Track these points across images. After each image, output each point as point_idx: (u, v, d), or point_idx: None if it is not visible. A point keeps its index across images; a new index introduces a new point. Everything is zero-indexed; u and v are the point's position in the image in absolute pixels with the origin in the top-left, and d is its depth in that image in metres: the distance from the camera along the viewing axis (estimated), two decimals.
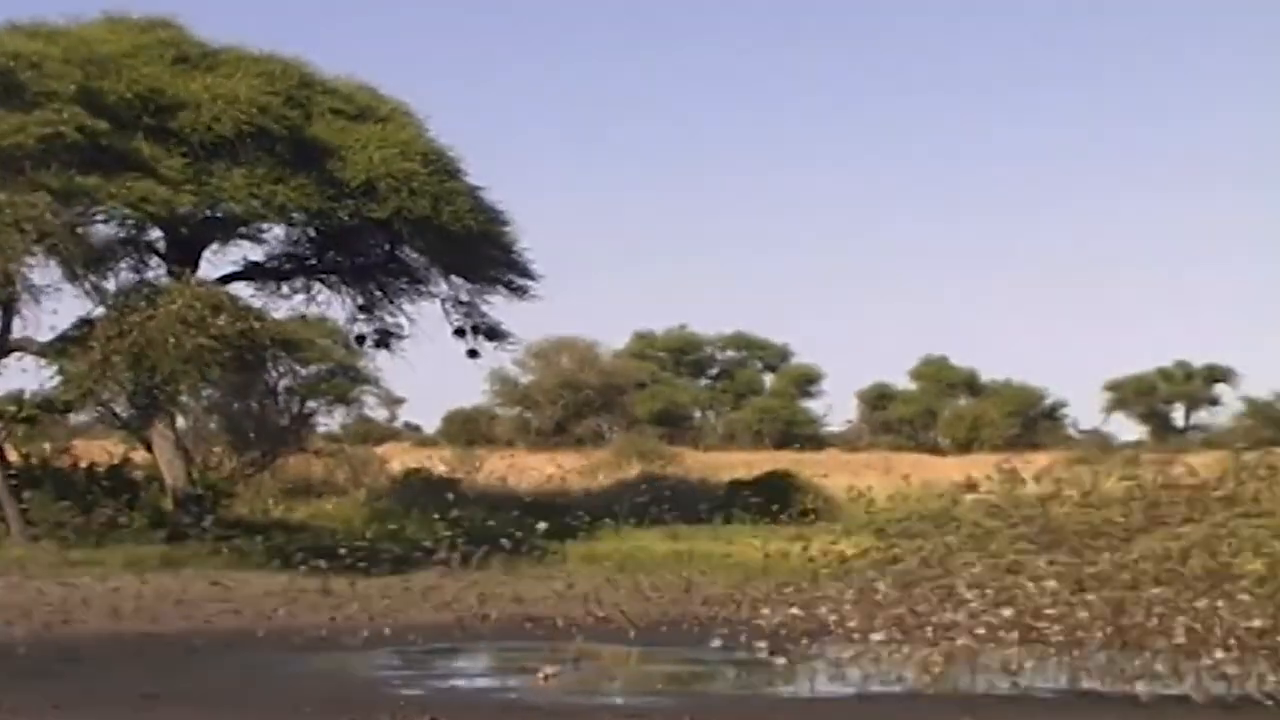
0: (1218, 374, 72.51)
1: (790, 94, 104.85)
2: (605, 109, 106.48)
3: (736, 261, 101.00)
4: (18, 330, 27.92)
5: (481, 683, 16.40)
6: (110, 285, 28.83)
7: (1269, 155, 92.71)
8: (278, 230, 31.56)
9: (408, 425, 71.03)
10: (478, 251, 31.19)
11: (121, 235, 29.72)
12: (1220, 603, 15.27)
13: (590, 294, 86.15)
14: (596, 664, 17.27)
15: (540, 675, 15.21)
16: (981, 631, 15.36)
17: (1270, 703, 14.16)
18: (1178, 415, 74.38)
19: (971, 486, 18.27)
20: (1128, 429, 72.64)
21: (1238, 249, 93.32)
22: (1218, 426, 68.98)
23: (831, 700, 14.86)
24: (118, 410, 30.99)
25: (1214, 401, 73.45)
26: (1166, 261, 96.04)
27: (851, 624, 15.63)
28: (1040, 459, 46.10)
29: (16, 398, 31.00)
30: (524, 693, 14.81)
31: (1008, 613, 15.50)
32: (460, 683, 16.29)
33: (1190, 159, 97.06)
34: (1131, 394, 72.98)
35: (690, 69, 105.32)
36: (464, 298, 32.63)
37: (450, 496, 23.87)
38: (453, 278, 32.31)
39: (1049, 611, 15.42)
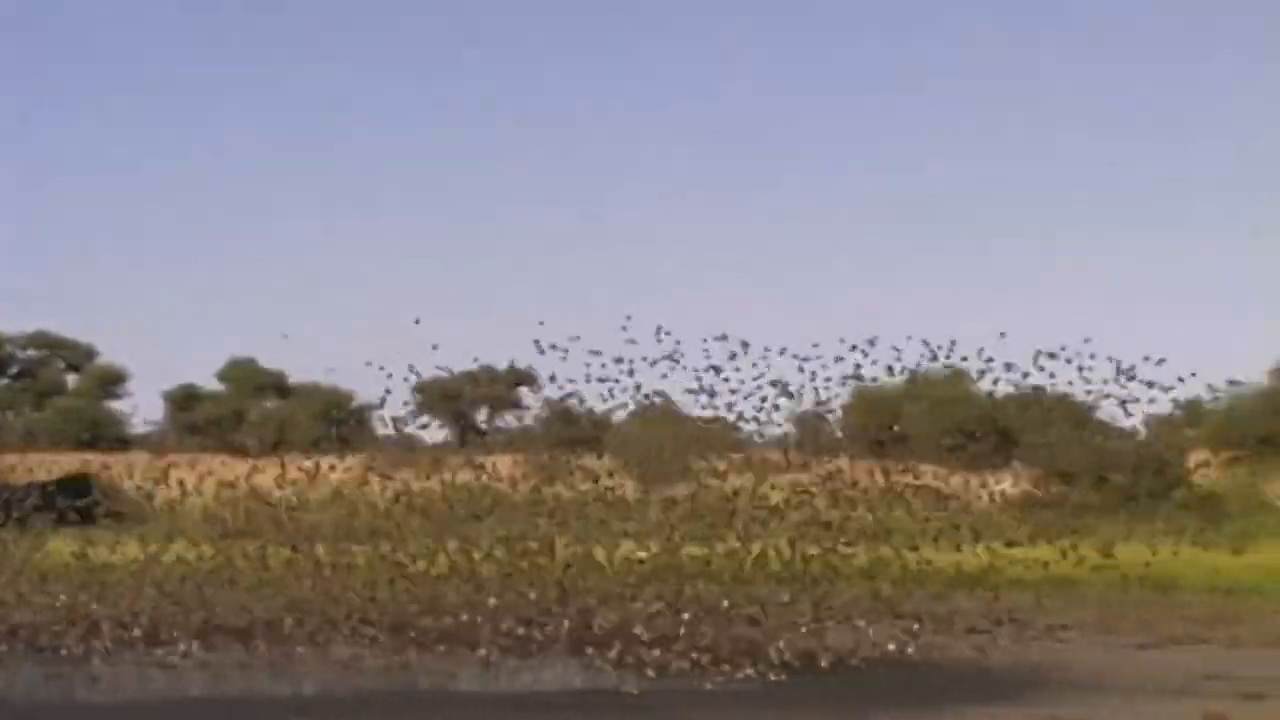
0: (521, 377, 75.44)
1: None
2: None
3: (38, 259, 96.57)
4: None
5: None
6: None
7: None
8: None
9: None
10: None
11: None
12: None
13: None
14: None
15: None
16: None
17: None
18: (482, 418, 76.89)
19: (277, 487, 18.61)
20: (434, 431, 74.50)
21: (533, 259, 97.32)
22: (521, 428, 71.86)
23: (142, 705, 14.64)
24: None
25: (517, 404, 76.37)
26: (467, 270, 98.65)
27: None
28: (347, 461, 46.69)
29: None
30: None
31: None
32: None
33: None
34: (438, 396, 74.84)
35: None
36: None
37: None
38: None
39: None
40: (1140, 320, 73.35)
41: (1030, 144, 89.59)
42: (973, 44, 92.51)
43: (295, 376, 72.67)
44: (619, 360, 19.43)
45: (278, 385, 72.93)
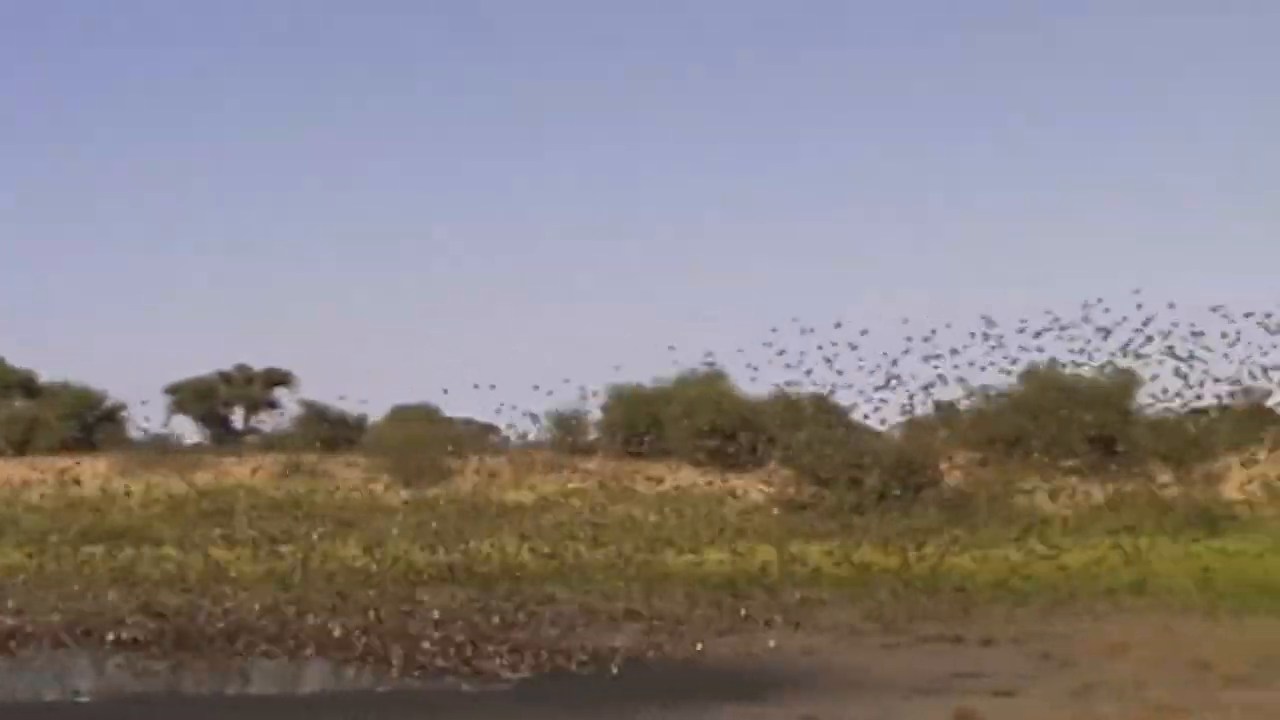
0: (277, 378, 74.14)
1: None
2: None
3: None
4: None
5: None
6: None
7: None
8: None
9: None
10: None
11: None
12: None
13: None
14: None
15: None
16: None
17: None
18: (237, 418, 75.38)
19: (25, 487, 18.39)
20: (190, 431, 72.73)
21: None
22: (277, 429, 70.59)
23: None
24: None
25: (273, 404, 75.05)
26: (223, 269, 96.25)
27: None
28: (99, 462, 45.29)
29: None
30: None
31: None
32: None
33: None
34: (192, 396, 73.16)
35: None
36: None
37: None
38: None
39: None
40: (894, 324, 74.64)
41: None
42: None
43: (45, 375, 70.43)
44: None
45: (26, 384, 70.50)
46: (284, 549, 23.27)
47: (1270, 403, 32.67)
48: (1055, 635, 19.20)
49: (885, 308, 64.92)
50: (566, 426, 56.49)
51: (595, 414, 56.38)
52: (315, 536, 23.41)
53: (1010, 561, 24.44)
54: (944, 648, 18.54)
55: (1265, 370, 28.50)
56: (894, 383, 30.06)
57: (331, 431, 59.89)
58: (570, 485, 28.12)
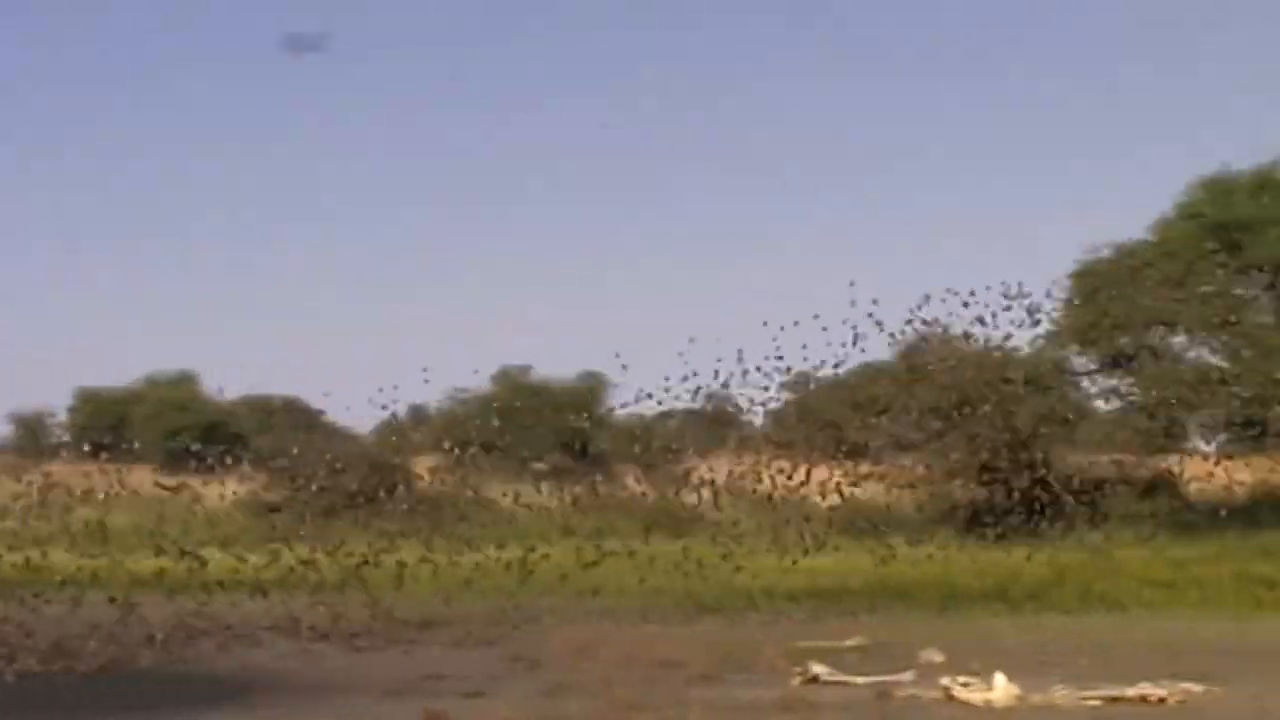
0: None
1: None
2: None
3: None
4: None
5: None
6: None
7: None
8: None
9: None
10: None
11: None
12: None
13: None
14: None
15: None
16: None
17: None
18: None
19: None
20: None
21: None
22: None
23: None
24: None
25: None
26: None
27: None
28: None
29: None
30: None
31: None
32: None
33: None
34: None
35: None
36: None
37: None
38: None
39: None
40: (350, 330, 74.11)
41: None
42: None
43: None
44: None
45: None
46: None
47: (732, 407, 34.09)
48: (525, 637, 19.48)
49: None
50: (30, 428, 53.98)
51: (60, 416, 54.12)
52: None
53: (484, 562, 24.68)
54: (414, 650, 18.55)
55: (730, 376, 29.62)
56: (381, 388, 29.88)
57: None
58: (26, 488, 26.78)
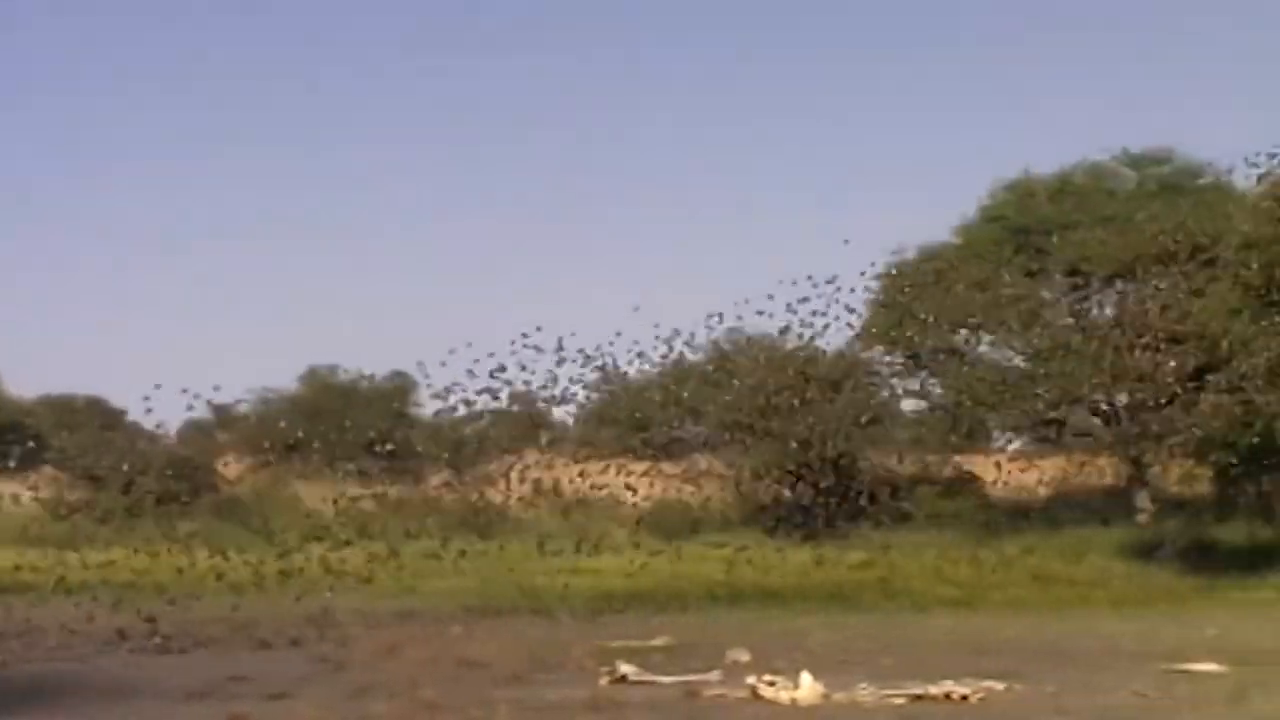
0: None
1: None
2: None
3: None
4: None
5: None
6: None
7: None
8: None
9: None
10: None
11: None
12: None
13: None
14: None
15: None
16: None
17: None
18: None
19: None
20: None
21: None
22: None
23: None
24: None
25: None
26: None
27: None
28: None
29: None
30: None
31: None
32: None
33: None
34: None
35: None
36: None
37: None
38: None
39: None
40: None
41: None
42: None
43: None
44: None
45: None
46: None
47: (542, 404, 34.03)
48: (331, 639, 19.27)
49: None
50: None
51: None
52: None
53: (291, 564, 24.37)
54: (218, 652, 18.28)
55: (538, 375, 29.57)
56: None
57: None
58: None
